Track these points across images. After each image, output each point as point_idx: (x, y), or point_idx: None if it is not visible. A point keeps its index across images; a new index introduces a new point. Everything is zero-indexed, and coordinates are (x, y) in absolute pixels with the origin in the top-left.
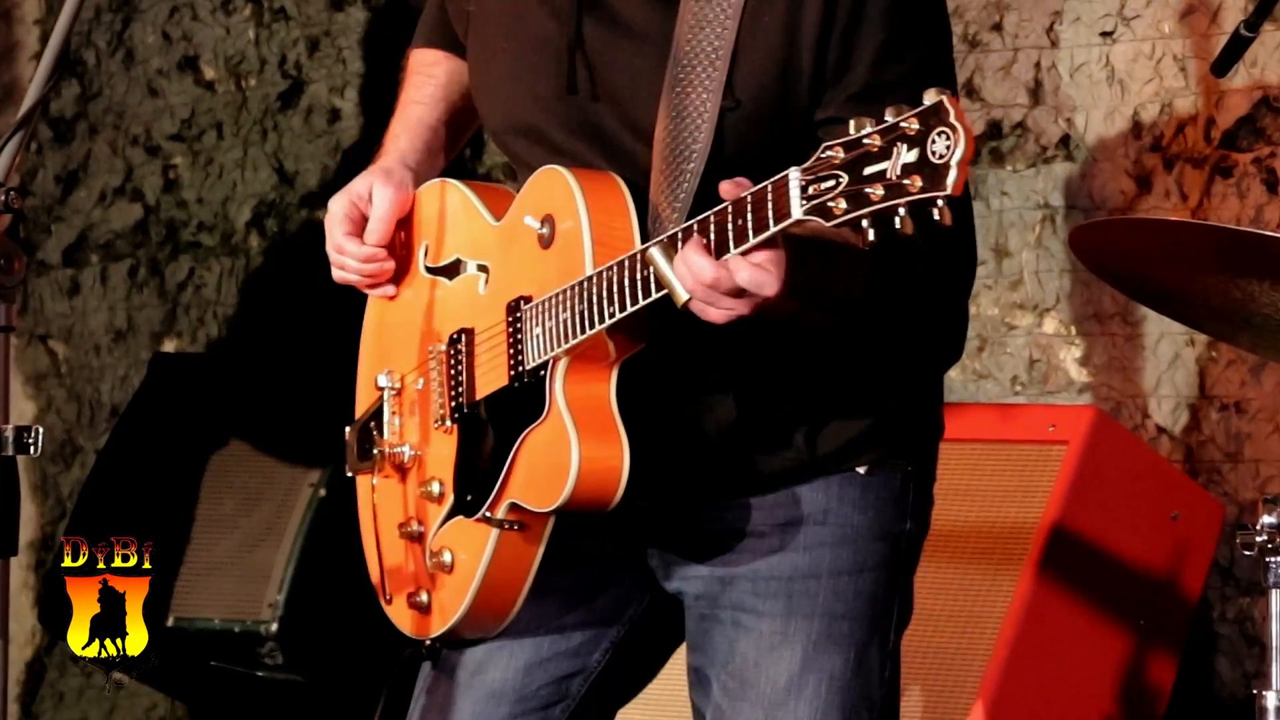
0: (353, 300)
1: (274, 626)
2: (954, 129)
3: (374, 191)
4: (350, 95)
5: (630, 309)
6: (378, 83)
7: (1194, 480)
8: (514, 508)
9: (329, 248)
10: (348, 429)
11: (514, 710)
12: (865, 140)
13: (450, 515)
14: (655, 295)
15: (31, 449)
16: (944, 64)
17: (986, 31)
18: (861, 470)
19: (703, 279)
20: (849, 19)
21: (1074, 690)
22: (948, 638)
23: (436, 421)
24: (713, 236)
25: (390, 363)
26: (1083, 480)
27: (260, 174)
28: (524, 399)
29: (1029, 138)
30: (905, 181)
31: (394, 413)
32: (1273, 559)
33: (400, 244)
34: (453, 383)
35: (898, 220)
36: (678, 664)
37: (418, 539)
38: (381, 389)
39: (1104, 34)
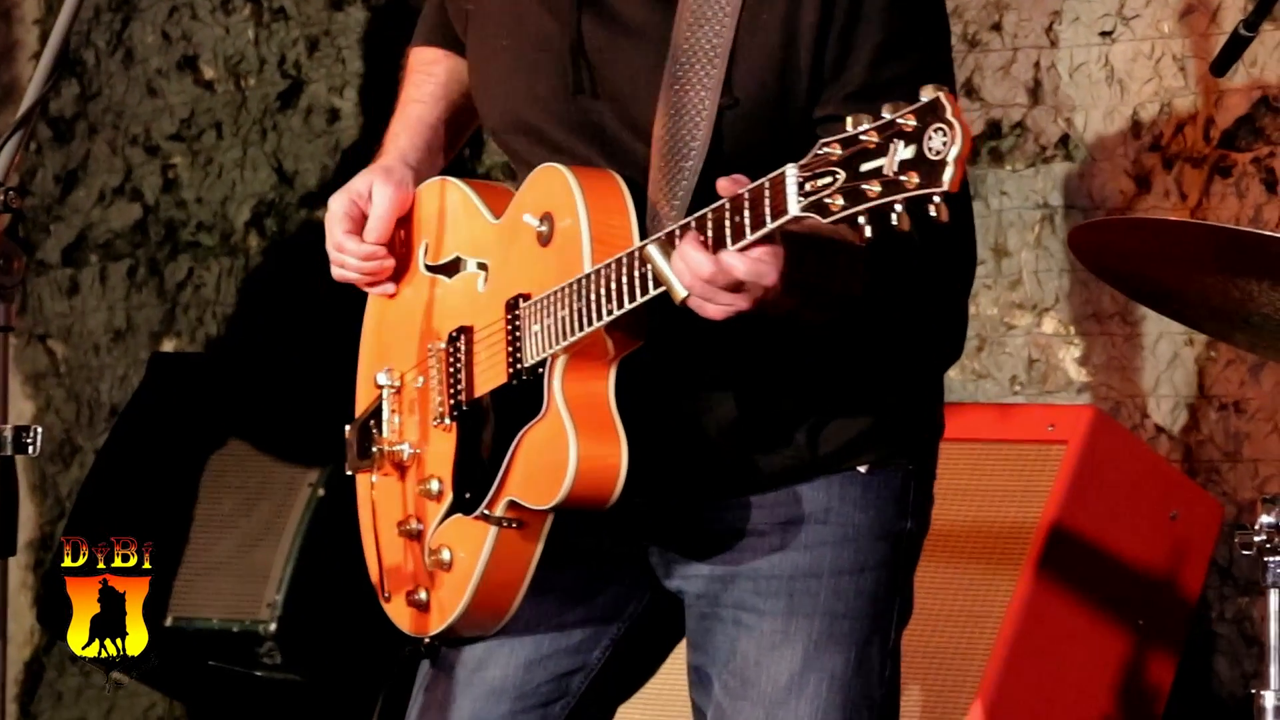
0: (352, 300)
1: (272, 626)
2: (951, 125)
3: (374, 190)
4: (350, 95)
5: (628, 306)
6: (377, 82)
7: (1193, 480)
8: (512, 505)
9: (329, 246)
10: (348, 427)
11: (514, 707)
12: (862, 137)
13: (449, 513)
14: (653, 293)
15: (30, 449)
16: (943, 63)
17: (986, 31)
18: (863, 469)
19: (700, 273)
20: (847, 18)
21: (1073, 689)
22: (947, 637)
23: (435, 419)
24: (710, 233)
25: (390, 361)
26: (1082, 480)
27: (259, 174)
28: (523, 397)
29: (1028, 137)
30: (902, 178)
31: (393, 411)
32: (1271, 559)
33: (400, 242)
34: (452, 380)
35: (894, 217)
36: (676, 662)
37: (417, 537)
38: (381, 387)
39: (1103, 34)
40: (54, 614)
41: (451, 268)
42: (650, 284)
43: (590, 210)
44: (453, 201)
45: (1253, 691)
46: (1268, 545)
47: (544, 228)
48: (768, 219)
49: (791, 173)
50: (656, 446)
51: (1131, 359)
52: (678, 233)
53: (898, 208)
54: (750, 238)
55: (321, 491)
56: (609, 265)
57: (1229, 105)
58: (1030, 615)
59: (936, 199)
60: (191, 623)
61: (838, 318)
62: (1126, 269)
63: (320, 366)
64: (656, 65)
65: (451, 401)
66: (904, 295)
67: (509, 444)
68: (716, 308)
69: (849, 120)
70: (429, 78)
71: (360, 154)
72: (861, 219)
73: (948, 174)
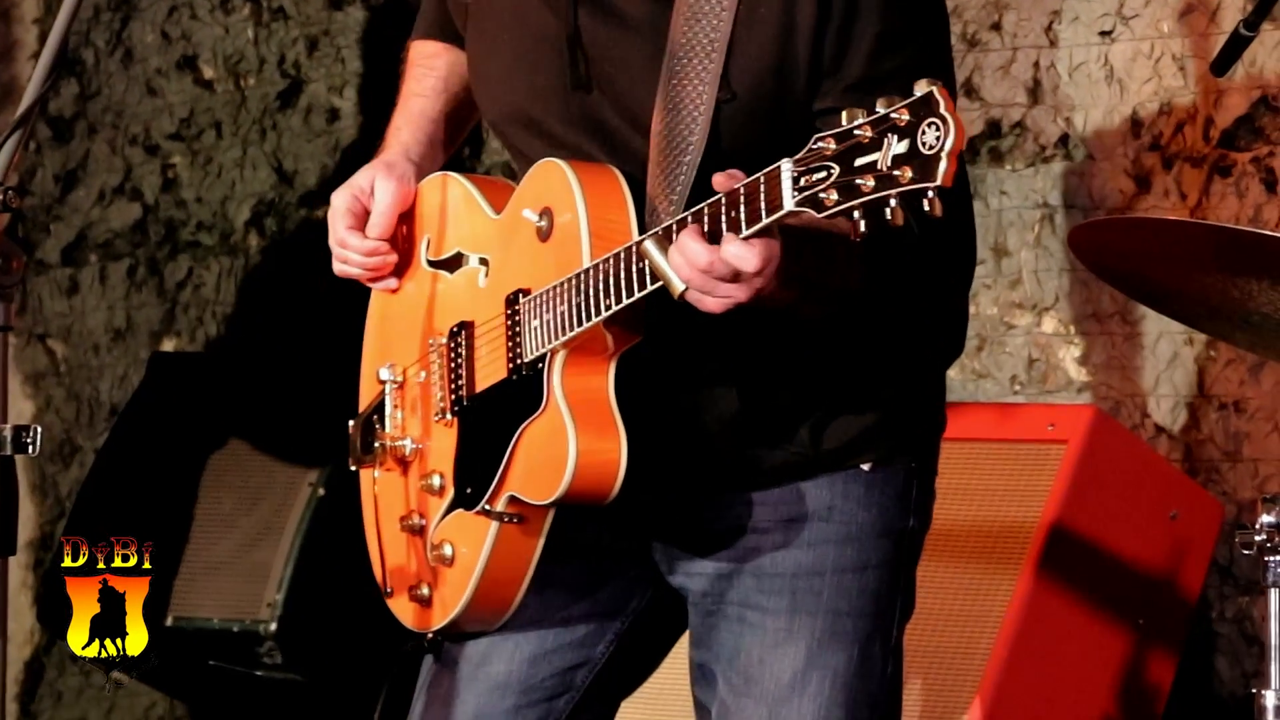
0: (351, 300)
1: (273, 626)
2: (944, 120)
3: (376, 185)
4: (349, 94)
5: (626, 301)
6: (377, 82)
7: (1193, 479)
8: (513, 500)
9: (332, 241)
10: (350, 422)
11: (518, 702)
12: (856, 131)
13: (451, 508)
14: (651, 287)
15: (30, 448)
16: (941, 58)
17: (985, 31)
18: (865, 467)
19: (697, 263)
20: (845, 12)
21: (1073, 689)
22: (948, 637)
23: (437, 414)
24: (706, 228)
25: (392, 356)
26: (1082, 479)
27: (259, 173)
28: (523, 392)
29: (1028, 137)
30: (896, 173)
31: (396, 406)
32: (1271, 558)
33: (402, 237)
34: (453, 376)
35: (888, 211)
36: (677, 658)
37: (419, 532)
38: (383, 382)
39: (1103, 33)
40: (54, 614)
41: (453, 263)
42: (648, 279)
43: (589, 205)
44: (454, 197)
45: (1253, 691)
46: (1268, 544)
47: (543, 223)
48: (763, 213)
49: (786, 167)
50: (657, 441)
51: (1131, 358)
52: (675, 228)
53: (892, 202)
54: (746, 232)
55: (322, 491)
56: (607, 260)
57: (1229, 105)
58: (1030, 615)
59: (930, 194)
60: (192, 622)
61: (836, 311)
62: (1126, 268)
63: (320, 366)
64: (654, 59)
65: (453, 397)
66: (902, 290)
67: (509, 439)
68: (714, 300)
69: (844, 114)
70: (430, 71)
71: (360, 153)
72: (856, 214)
73: (941, 169)
